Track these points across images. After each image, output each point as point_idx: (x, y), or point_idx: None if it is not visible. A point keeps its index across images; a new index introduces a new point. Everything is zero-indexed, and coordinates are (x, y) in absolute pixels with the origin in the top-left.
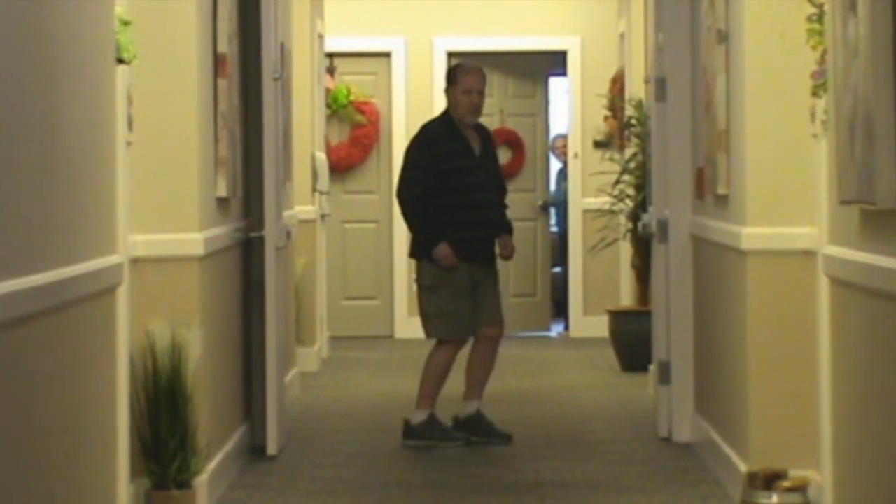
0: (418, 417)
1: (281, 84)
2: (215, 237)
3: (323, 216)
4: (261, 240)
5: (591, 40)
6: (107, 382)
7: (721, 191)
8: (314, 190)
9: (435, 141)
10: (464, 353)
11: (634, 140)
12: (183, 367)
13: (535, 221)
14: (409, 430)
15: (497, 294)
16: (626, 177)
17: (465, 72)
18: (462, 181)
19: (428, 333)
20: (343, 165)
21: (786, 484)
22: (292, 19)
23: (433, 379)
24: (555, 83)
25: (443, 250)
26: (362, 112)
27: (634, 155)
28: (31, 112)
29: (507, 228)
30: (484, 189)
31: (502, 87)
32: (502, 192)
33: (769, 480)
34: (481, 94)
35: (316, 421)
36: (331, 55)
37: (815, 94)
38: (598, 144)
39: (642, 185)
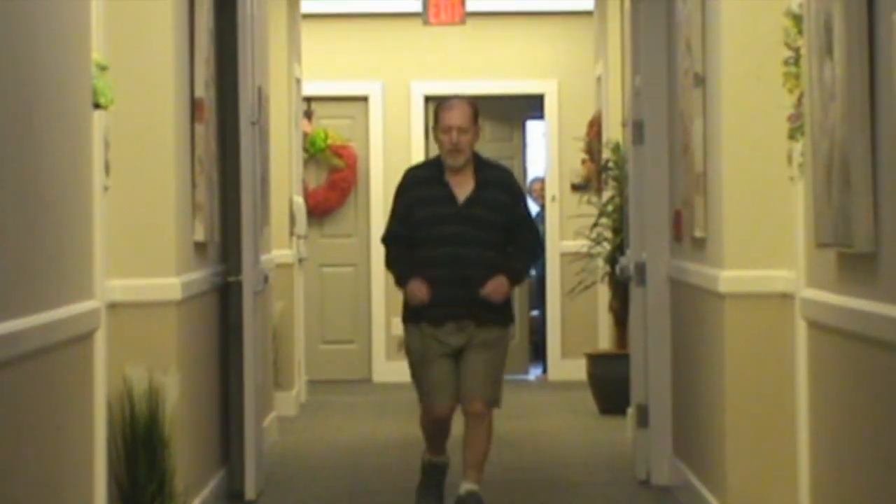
0: (422, 458)
1: (258, 128)
2: (192, 282)
3: (300, 260)
4: (238, 284)
5: (568, 83)
6: (84, 427)
7: (698, 233)
8: (292, 234)
9: (407, 186)
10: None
11: (612, 183)
12: (160, 411)
13: None
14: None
15: (482, 363)
16: (603, 220)
17: (444, 108)
18: (433, 232)
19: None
20: (321, 209)
21: None
22: (270, 63)
23: (425, 435)
24: (532, 126)
25: (413, 285)
26: (340, 156)
27: (612, 198)
28: (8, 156)
29: (507, 271)
30: (464, 242)
31: (480, 131)
32: (521, 244)
33: None
34: (463, 131)
35: (294, 465)
36: (308, 99)
37: (791, 137)
38: (575, 187)
39: (620, 228)
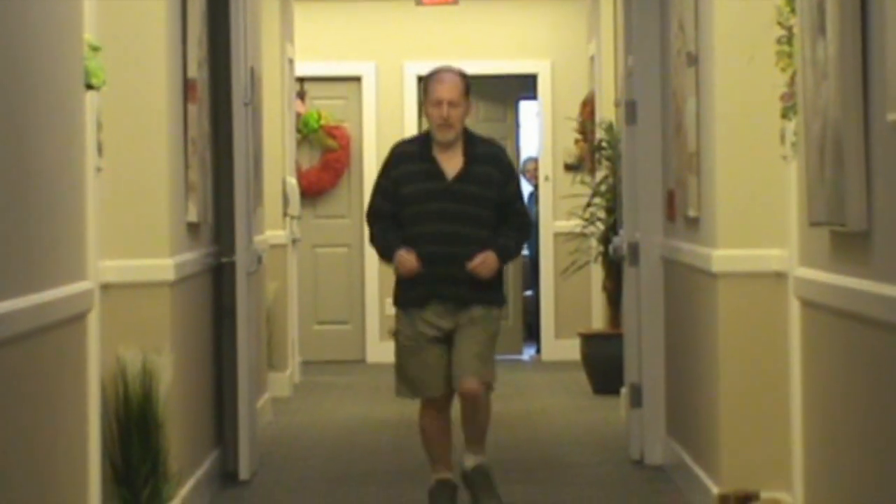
0: (428, 484)
1: (251, 109)
2: (186, 262)
3: (294, 241)
4: (232, 265)
5: (561, 63)
6: (78, 408)
7: (692, 213)
8: (285, 215)
9: (393, 162)
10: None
11: (605, 163)
12: (154, 392)
13: None
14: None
15: (475, 341)
16: (596, 200)
17: (433, 80)
18: (419, 209)
19: (395, 391)
20: (314, 190)
21: None
22: (262, 44)
23: (426, 446)
24: (525, 106)
25: (401, 255)
26: (333, 136)
27: (605, 178)
28: (0, 139)
29: (496, 247)
30: (452, 219)
31: (473, 111)
32: (510, 224)
33: (741, 502)
34: (454, 105)
35: (288, 446)
36: (301, 80)
37: (784, 116)
38: (568, 167)
39: (613, 208)
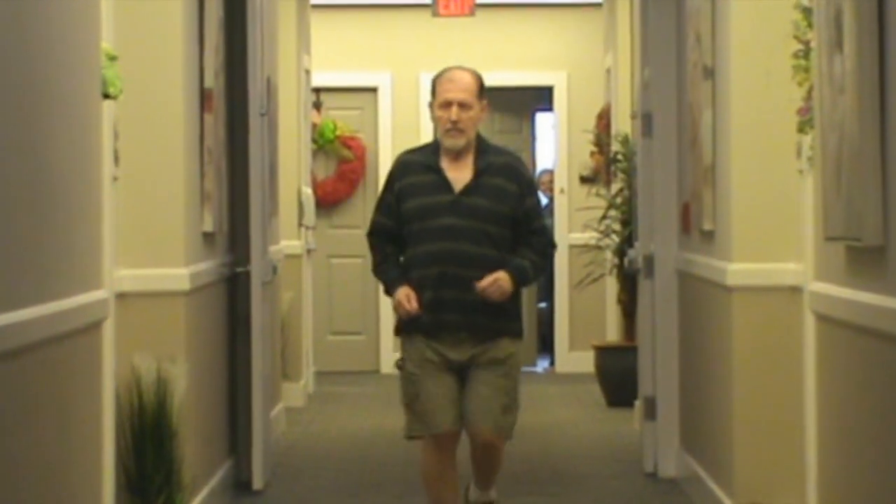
0: None
1: (267, 119)
2: (201, 272)
3: (309, 251)
4: (247, 274)
5: (577, 75)
6: (92, 417)
7: (707, 226)
8: (300, 225)
9: (397, 174)
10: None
11: (620, 175)
12: (168, 401)
13: None
14: None
15: (499, 390)
16: (612, 212)
17: (442, 79)
18: (425, 226)
19: (406, 431)
20: (329, 200)
21: None
22: (279, 54)
23: (427, 490)
24: (541, 118)
25: (400, 295)
26: (348, 147)
27: (621, 190)
28: (18, 147)
29: (511, 268)
30: (461, 237)
31: (488, 123)
32: (530, 245)
33: None
34: (465, 106)
35: (301, 456)
36: (317, 90)
37: (801, 130)
38: (584, 180)
39: (628, 221)
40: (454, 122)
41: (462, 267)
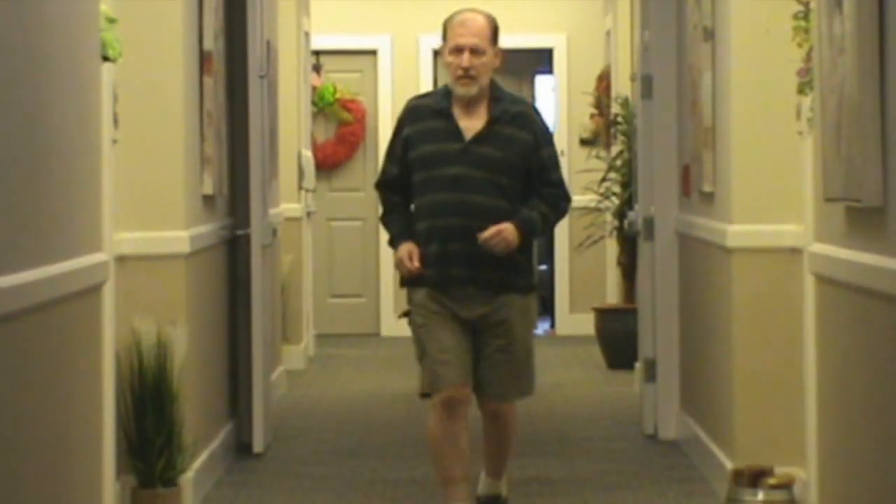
0: None
1: (267, 82)
2: (201, 235)
3: (309, 214)
4: (247, 237)
5: (577, 38)
6: (92, 380)
7: (707, 188)
8: (300, 188)
9: (405, 120)
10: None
11: (620, 138)
12: (169, 364)
13: None
14: None
15: (512, 356)
16: (612, 174)
17: (454, 23)
18: (433, 175)
19: (422, 387)
20: (329, 163)
21: (771, 481)
22: (278, 17)
23: (434, 459)
24: (541, 81)
25: (402, 250)
26: (348, 110)
27: (620, 153)
28: (17, 110)
29: (517, 219)
30: (471, 188)
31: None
32: (542, 197)
33: (755, 477)
34: (478, 52)
35: (302, 418)
36: (317, 53)
37: (800, 91)
38: (584, 142)
39: (628, 183)
40: (466, 69)
41: (470, 219)
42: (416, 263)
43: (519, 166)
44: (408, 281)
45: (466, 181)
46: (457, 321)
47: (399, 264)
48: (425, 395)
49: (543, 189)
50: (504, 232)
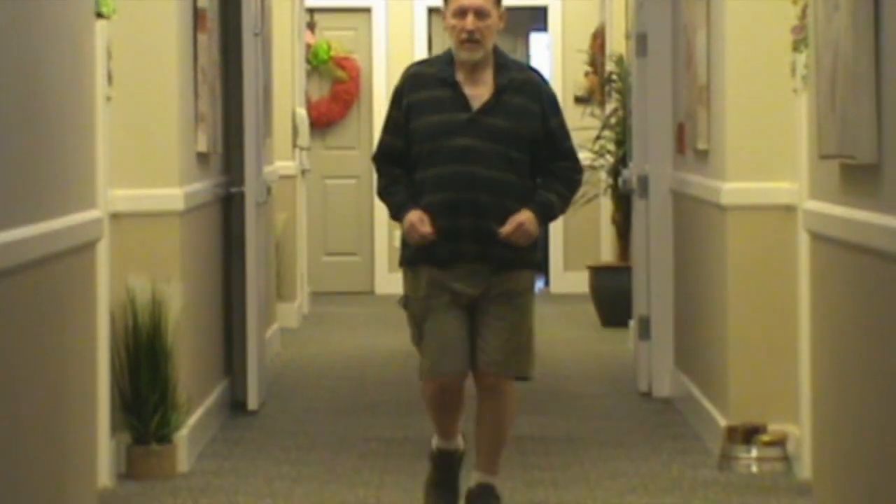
0: (428, 448)
1: (261, 39)
2: (196, 192)
3: (303, 172)
4: (241, 195)
5: None
6: (87, 337)
7: (701, 146)
8: (294, 145)
9: (406, 88)
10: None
11: (615, 96)
12: (163, 322)
13: None
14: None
15: (511, 327)
16: (606, 132)
17: None
18: (438, 146)
19: (421, 373)
20: (323, 121)
21: (765, 438)
22: None
23: (431, 413)
24: (536, 39)
25: (412, 218)
26: (343, 68)
27: (615, 111)
28: (11, 67)
29: (537, 205)
30: (478, 160)
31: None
32: (556, 172)
33: (748, 435)
34: (482, 14)
35: (296, 376)
36: (311, 10)
37: (795, 48)
38: (578, 100)
39: (623, 141)
40: (470, 32)
41: (478, 193)
42: (429, 228)
43: (527, 138)
44: (408, 260)
45: (475, 153)
46: (456, 306)
47: (410, 231)
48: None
49: (555, 163)
50: (525, 224)
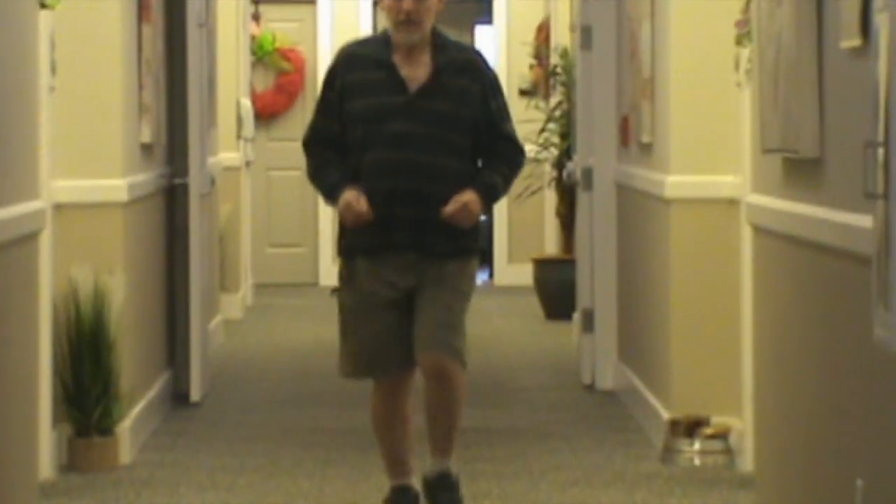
0: (384, 494)
1: (206, 30)
2: (139, 183)
3: (247, 163)
4: (185, 186)
5: None
6: (29, 328)
7: (645, 139)
8: (239, 137)
9: (340, 69)
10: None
11: (560, 88)
12: (106, 313)
13: None
14: None
15: (443, 306)
16: (551, 125)
17: None
18: (373, 131)
19: (339, 370)
20: (268, 112)
21: (708, 431)
22: None
23: (379, 438)
24: (481, 31)
25: (347, 194)
26: (287, 59)
27: (560, 103)
28: None
29: (480, 186)
30: (416, 145)
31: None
32: (498, 155)
33: (691, 427)
34: None
35: (240, 368)
36: (256, 1)
37: (739, 42)
38: (523, 93)
39: (567, 134)
40: (408, 13)
41: (416, 180)
42: (365, 205)
43: (468, 121)
44: (345, 249)
45: (412, 138)
46: (392, 303)
47: (345, 211)
48: (347, 377)
49: (498, 145)
50: (469, 205)
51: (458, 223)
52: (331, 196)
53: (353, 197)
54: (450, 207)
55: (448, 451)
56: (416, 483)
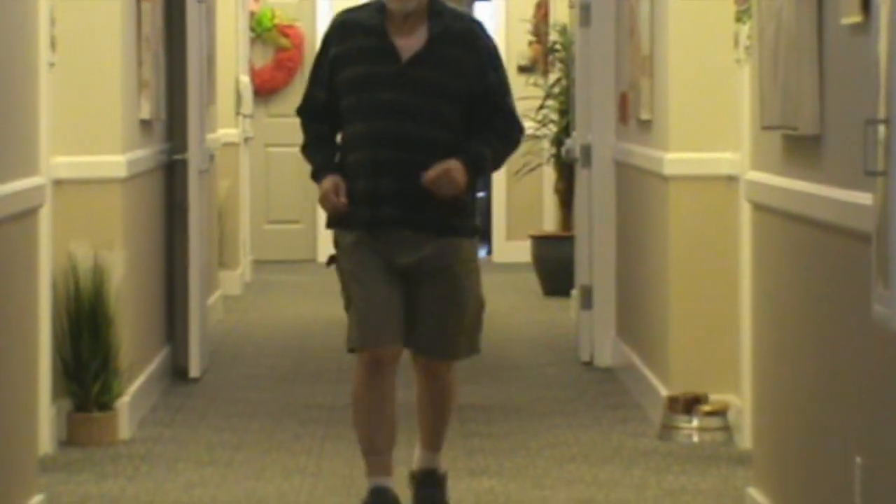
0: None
1: (205, 7)
2: (138, 159)
3: (246, 139)
4: (184, 162)
5: None
6: (28, 304)
7: (644, 116)
8: (238, 113)
9: (334, 36)
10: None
11: (559, 65)
12: (105, 289)
13: None
14: None
15: (445, 307)
16: (549, 102)
17: None
18: (364, 100)
19: (348, 342)
20: (267, 89)
21: (706, 408)
22: None
23: (358, 425)
24: (479, 7)
25: (326, 183)
26: (286, 35)
27: (558, 80)
28: None
29: (466, 155)
30: (408, 115)
31: None
32: (493, 128)
33: (689, 404)
34: None
35: (238, 344)
36: None
37: (738, 19)
38: (522, 69)
39: (566, 111)
40: None
41: (405, 152)
42: (343, 199)
43: (462, 92)
44: (334, 221)
45: (402, 108)
46: (388, 271)
47: (323, 200)
48: (352, 350)
49: (497, 119)
50: (452, 171)
51: (440, 191)
52: (315, 179)
53: (332, 187)
54: (431, 173)
55: (436, 446)
56: (396, 484)
